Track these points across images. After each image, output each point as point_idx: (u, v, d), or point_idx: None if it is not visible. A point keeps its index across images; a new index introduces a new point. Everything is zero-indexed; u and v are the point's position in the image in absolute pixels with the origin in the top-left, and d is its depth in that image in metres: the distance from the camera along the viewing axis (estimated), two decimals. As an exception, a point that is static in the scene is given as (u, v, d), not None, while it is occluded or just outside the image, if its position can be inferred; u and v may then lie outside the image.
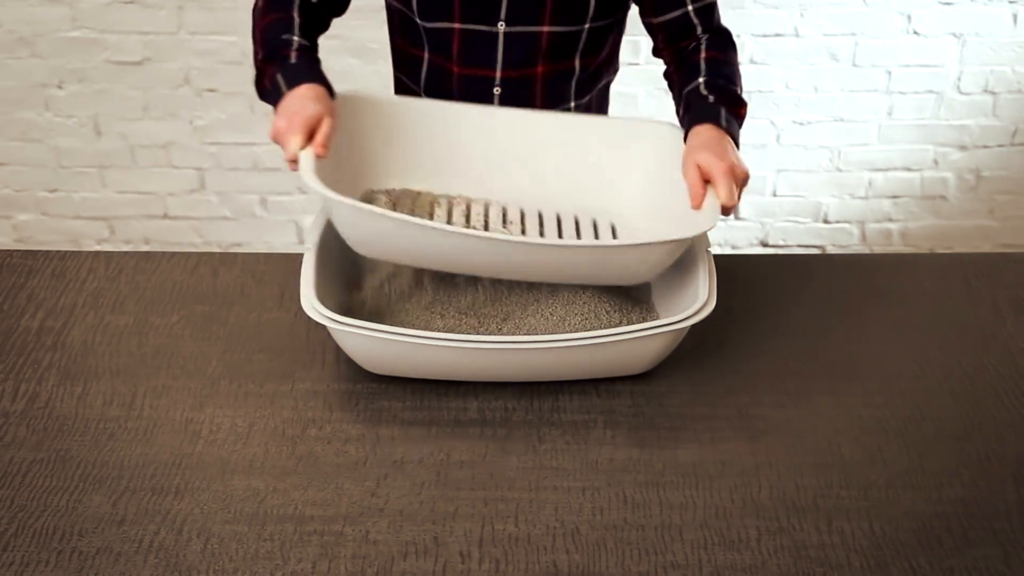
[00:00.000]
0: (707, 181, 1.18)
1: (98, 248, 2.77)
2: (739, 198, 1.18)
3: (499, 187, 1.34)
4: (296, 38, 1.26)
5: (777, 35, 2.56)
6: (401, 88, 1.48)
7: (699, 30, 1.34)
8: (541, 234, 1.29)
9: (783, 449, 1.13)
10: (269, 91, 1.25)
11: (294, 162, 1.16)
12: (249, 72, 2.54)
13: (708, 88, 1.28)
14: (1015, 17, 2.56)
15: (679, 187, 1.21)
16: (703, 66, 1.31)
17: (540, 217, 1.32)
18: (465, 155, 1.34)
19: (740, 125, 1.27)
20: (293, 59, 1.24)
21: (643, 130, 1.34)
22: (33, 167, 2.68)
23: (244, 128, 2.61)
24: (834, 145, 2.71)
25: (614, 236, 1.30)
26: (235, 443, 1.13)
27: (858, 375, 1.25)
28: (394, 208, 1.27)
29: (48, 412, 1.17)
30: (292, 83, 1.21)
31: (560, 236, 1.29)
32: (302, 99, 1.19)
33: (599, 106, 1.49)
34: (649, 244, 1.14)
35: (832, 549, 1.02)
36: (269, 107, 1.24)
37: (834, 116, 2.67)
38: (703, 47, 1.33)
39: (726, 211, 1.17)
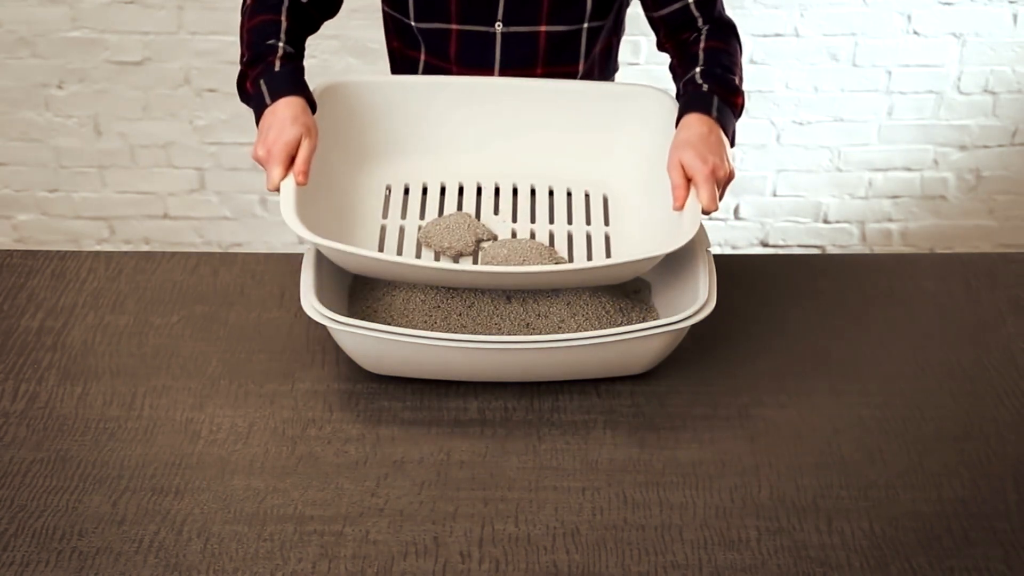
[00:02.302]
0: (690, 180, 1.18)
1: (98, 248, 2.77)
2: (721, 198, 1.18)
3: (490, 159, 1.35)
4: (282, 44, 1.27)
5: (777, 35, 2.56)
6: None
7: (700, 22, 1.34)
8: (532, 211, 1.31)
9: (783, 449, 1.13)
10: (251, 96, 1.26)
11: (277, 189, 1.19)
12: (249, 72, 2.55)
13: (704, 77, 1.27)
14: (1015, 17, 2.56)
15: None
16: (701, 56, 1.31)
17: (532, 192, 1.33)
18: (454, 128, 1.35)
19: (736, 114, 1.27)
20: (277, 67, 1.25)
21: (636, 95, 1.35)
22: (33, 167, 2.68)
23: (244, 128, 2.61)
24: (834, 145, 2.71)
25: (606, 209, 1.32)
26: (235, 443, 1.13)
27: (858, 375, 1.25)
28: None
29: (48, 412, 1.17)
30: (274, 94, 1.22)
31: (551, 213, 1.31)
32: (281, 122, 1.20)
33: None
34: (625, 263, 1.14)
35: (832, 549, 1.02)
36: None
37: (834, 116, 2.67)
38: (703, 37, 1.33)
39: (706, 213, 1.17)
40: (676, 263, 1.27)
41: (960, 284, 1.42)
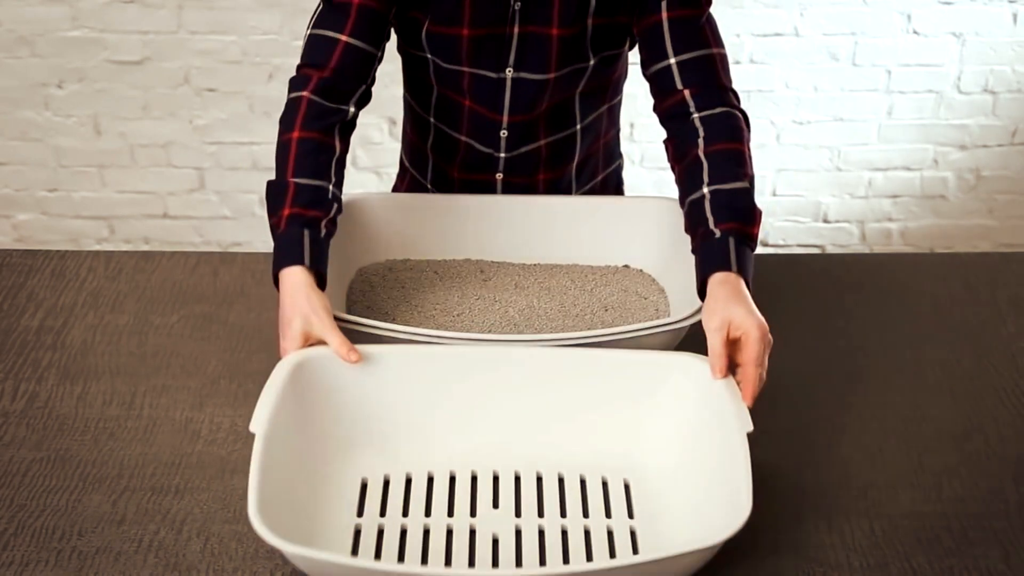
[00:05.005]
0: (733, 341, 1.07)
1: (98, 248, 2.77)
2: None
3: (488, 440, 1.10)
4: (333, 200, 1.17)
5: (777, 34, 2.55)
6: (411, 113, 1.46)
7: (688, 93, 1.24)
8: (540, 503, 1.06)
9: (783, 449, 1.13)
10: (284, 237, 1.13)
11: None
12: (248, 71, 2.55)
13: (714, 206, 1.15)
14: (1015, 17, 2.56)
15: (711, 435, 1.04)
16: (705, 167, 1.18)
17: (539, 481, 1.08)
18: (442, 403, 1.11)
19: (753, 245, 1.15)
20: (323, 232, 1.14)
21: (672, 364, 1.11)
22: (33, 166, 2.68)
23: (244, 127, 2.61)
24: (834, 144, 2.71)
25: (628, 498, 1.06)
26: (235, 443, 1.13)
27: (858, 375, 1.25)
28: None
29: (48, 411, 1.17)
30: (284, 261, 1.11)
31: (562, 505, 1.06)
32: (287, 318, 1.09)
33: (610, 121, 1.46)
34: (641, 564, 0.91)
35: (832, 549, 1.02)
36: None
37: (834, 116, 2.67)
38: (702, 138, 1.21)
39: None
40: (676, 263, 1.27)
41: (960, 284, 1.42)
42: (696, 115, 1.23)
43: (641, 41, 1.29)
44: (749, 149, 1.22)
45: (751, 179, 1.19)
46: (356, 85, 1.24)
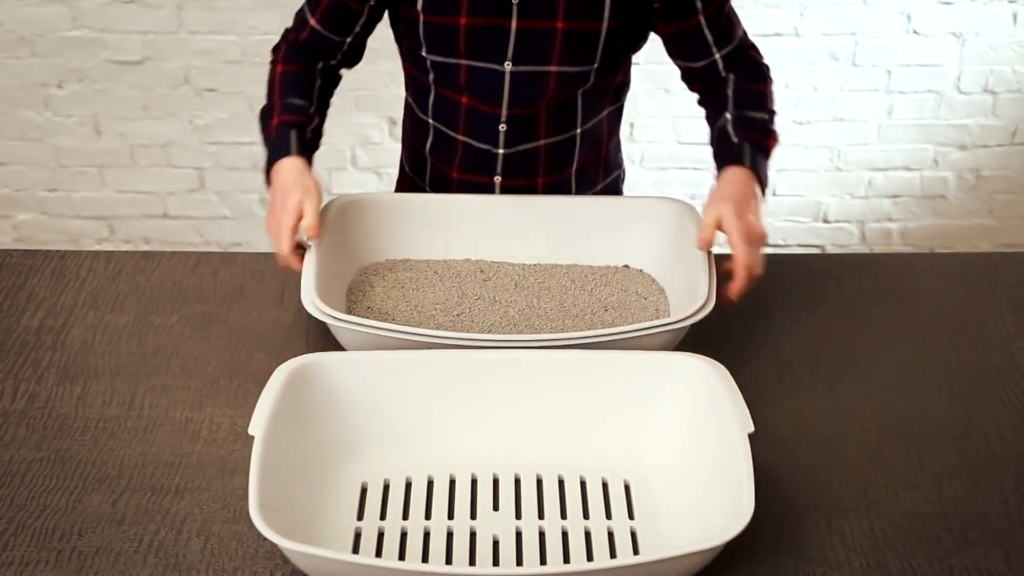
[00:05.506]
0: (720, 229, 1.20)
1: (98, 248, 2.77)
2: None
3: (486, 444, 1.10)
4: (316, 116, 1.32)
5: (777, 35, 2.55)
6: (410, 115, 1.46)
7: (724, 71, 1.36)
8: (540, 505, 1.05)
9: (783, 449, 1.13)
10: (275, 141, 1.29)
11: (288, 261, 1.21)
12: (248, 71, 2.55)
13: (736, 125, 1.29)
14: (1015, 17, 2.56)
15: (711, 435, 1.05)
16: (731, 99, 1.32)
17: (539, 483, 1.08)
18: (451, 399, 1.10)
19: (768, 156, 1.28)
20: (308, 135, 1.30)
21: (674, 363, 1.11)
22: (33, 166, 2.68)
23: (244, 127, 2.61)
24: (834, 145, 2.71)
25: (628, 499, 1.06)
26: (235, 443, 1.13)
27: (858, 375, 1.25)
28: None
29: (48, 411, 1.17)
30: (278, 156, 1.26)
31: (563, 506, 1.05)
32: (283, 189, 1.22)
33: (610, 130, 1.46)
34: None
35: (832, 549, 1.02)
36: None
37: (834, 116, 2.67)
38: (731, 82, 1.34)
39: (743, 288, 1.18)
40: (677, 261, 1.27)
41: (960, 284, 1.42)
42: (728, 75, 1.36)
43: (680, 42, 1.35)
44: (772, 94, 1.35)
45: (772, 113, 1.33)
46: (330, 55, 1.38)
